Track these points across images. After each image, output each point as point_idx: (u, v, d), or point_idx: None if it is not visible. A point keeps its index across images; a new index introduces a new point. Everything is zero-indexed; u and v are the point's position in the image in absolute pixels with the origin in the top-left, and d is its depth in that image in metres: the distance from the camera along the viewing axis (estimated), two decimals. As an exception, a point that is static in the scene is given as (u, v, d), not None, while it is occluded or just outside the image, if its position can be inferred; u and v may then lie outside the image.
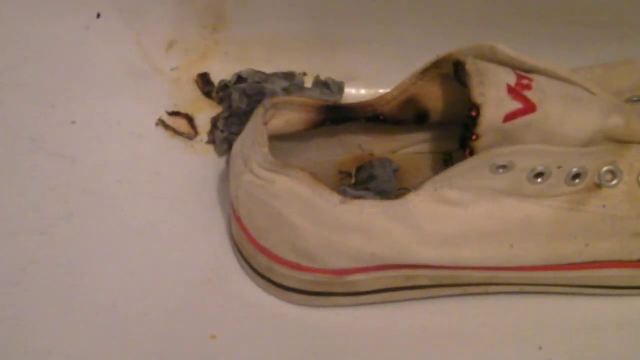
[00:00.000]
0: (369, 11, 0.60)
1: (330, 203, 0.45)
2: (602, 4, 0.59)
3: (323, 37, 0.62)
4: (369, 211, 0.45)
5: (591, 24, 0.59)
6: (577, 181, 0.46)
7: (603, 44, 0.60)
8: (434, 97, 0.50)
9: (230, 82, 0.60)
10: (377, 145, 0.54)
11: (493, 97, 0.43)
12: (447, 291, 0.50)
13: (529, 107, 0.44)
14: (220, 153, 0.58)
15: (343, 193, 0.46)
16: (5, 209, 0.51)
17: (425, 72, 0.49)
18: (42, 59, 0.58)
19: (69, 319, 0.47)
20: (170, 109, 0.59)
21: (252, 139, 0.46)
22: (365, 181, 0.52)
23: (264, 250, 0.48)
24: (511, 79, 0.44)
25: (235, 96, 0.58)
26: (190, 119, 0.59)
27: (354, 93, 0.62)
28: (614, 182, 0.47)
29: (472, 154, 0.44)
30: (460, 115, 0.47)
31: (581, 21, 0.59)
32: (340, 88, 0.61)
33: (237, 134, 0.55)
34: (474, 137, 0.44)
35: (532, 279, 0.49)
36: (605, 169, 0.46)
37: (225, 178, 0.56)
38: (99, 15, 0.59)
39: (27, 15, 0.58)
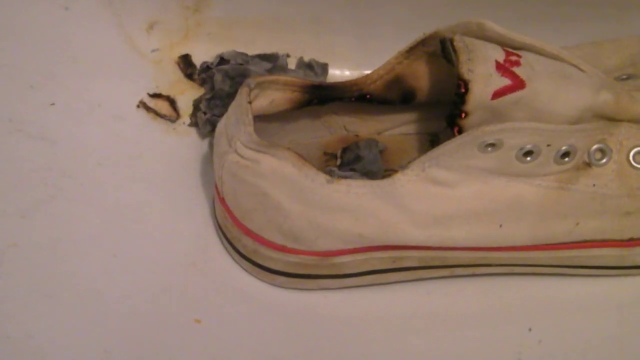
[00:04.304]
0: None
1: (316, 183, 0.44)
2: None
3: (306, 18, 0.61)
4: (356, 191, 0.44)
5: (577, 3, 0.59)
6: (566, 159, 0.45)
7: (589, 23, 0.60)
8: (420, 76, 0.50)
9: (212, 63, 0.59)
10: (362, 126, 0.54)
11: (481, 73, 0.43)
12: (435, 272, 0.49)
13: (518, 84, 0.43)
14: (202, 135, 0.57)
15: (330, 173, 0.45)
16: (-17, 192, 0.51)
17: (412, 50, 0.49)
18: (21, 40, 0.57)
19: (50, 302, 0.46)
20: (152, 91, 0.59)
21: (237, 117, 0.45)
22: (351, 162, 0.52)
23: (249, 232, 0.47)
24: (499, 55, 0.44)
25: (218, 78, 0.57)
26: (171, 101, 0.59)
27: (338, 74, 0.62)
28: (604, 161, 0.46)
29: (460, 132, 0.44)
30: (447, 94, 0.46)
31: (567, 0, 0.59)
32: (324, 69, 0.61)
33: (220, 115, 0.54)
34: (462, 115, 0.43)
35: (522, 259, 0.48)
36: (594, 147, 0.46)
37: (208, 160, 0.55)
38: (78, -5, 0.59)
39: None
